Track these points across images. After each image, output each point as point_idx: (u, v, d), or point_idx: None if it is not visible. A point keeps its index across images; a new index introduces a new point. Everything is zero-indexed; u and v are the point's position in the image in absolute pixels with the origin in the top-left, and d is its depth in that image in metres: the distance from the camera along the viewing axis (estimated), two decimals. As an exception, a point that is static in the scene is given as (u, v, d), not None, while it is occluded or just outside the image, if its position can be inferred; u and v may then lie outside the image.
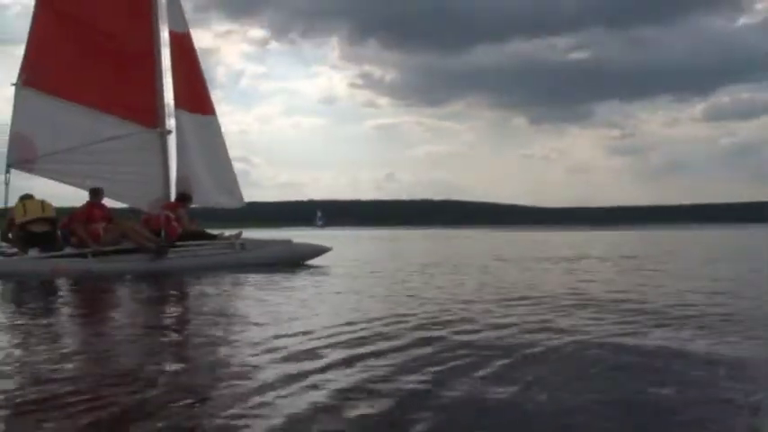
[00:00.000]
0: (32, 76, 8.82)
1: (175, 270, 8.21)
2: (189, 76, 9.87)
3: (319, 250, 10.02)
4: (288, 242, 9.98)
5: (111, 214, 8.62)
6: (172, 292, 6.71)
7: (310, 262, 9.60)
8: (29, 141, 8.74)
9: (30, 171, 8.83)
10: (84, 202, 8.69)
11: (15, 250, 8.32)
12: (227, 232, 9.68)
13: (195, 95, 9.93)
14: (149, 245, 8.20)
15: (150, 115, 9.48)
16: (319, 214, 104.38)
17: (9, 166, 8.67)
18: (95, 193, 8.51)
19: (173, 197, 9.47)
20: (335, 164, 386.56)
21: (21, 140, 8.71)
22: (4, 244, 8.57)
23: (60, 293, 6.53)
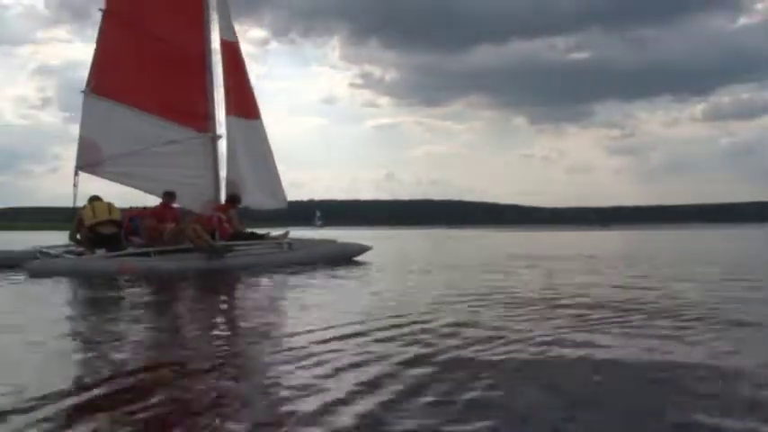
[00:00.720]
0: (99, 84, 9.47)
1: (230, 268, 8.87)
2: (237, 83, 10.45)
3: (361, 249, 10.67)
4: (332, 242, 10.64)
5: (180, 216, 9.25)
6: (232, 286, 7.34)
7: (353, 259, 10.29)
8: (95, 146, 9.41)
9: (95, 174, 9.52)
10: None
11: (82, 249, 9.05)
12: (273, 232, 10.34)
13: (243, 101, 10.53)
14: (207, 245, 8.86)
15: (202, 120, 10.09)
16: (318, 214, 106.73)
17: (78, 169, 9.35)
18: (169, 196, 9.18)
19: (220, 199, 10.15)
20: (335, 164, 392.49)
21: (88, 145, 9.41)
22: (72, 243, 9.29)
23: (128, 290, 7.00)
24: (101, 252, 8.69)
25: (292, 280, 7.61)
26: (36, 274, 7.86)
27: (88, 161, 9.41)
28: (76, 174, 9.35)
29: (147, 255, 8.65)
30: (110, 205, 8.90)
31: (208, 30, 10.15)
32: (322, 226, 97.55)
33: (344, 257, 10.30)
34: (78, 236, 9.11)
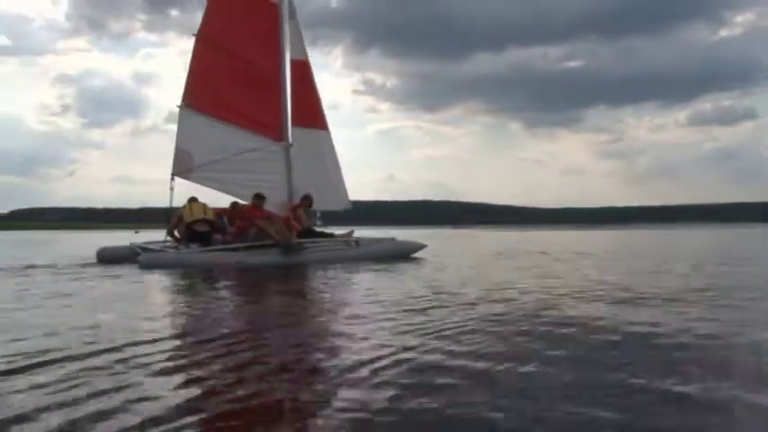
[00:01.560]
0: (191, 100, 10.76)
1: (305, 262, 10.00)
2: (307, 97, 11.65)
3: (418, 247, 11.75)
4: (393, 239, 11.74)
5: (268, 216, 10.43)
6: (308, 278, 8.43)
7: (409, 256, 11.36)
8: (188, 154, 10.69)
9: (188, 179, 10.76)
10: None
11: (175, 245, 10.34)
12: (339, 231, 11.48)
13: (312, 113, 11.72)
14: (286, 242, 10.03)
15: (277, 131, 11.30)
16: (318, 214, 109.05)
17: (173, 174, 10.64)
18: (259, 198, 10.41)
19: (292, 201, 11.33)
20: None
21: (182, 154, 10.68)
22: (169, 239, 10.58)
23: (222, 280, 7.86)
24: (194, 246, 9.96)
25: (384, 271, 8.73)
26: (146, 266, 9.11)
27: (182, 168, 10.68)
28: (172, 179, 10.62)
29: (235, 250, 9.86)
30: (204, 206, 10.17)
31: (282, 50, 11.37)
32: (322, 225, 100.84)
33: (404, 254, 11.39)
34: (176, 232, 10.38)
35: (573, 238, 28.21)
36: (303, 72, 11.60)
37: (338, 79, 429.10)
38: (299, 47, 11.59)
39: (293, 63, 11.50)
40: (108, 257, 10.49)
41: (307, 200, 11.20)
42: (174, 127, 10.99)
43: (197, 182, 10.82)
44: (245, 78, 11.00)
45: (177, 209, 10.36)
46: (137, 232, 58.11)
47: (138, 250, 10.38)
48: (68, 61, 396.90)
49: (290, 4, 11.47)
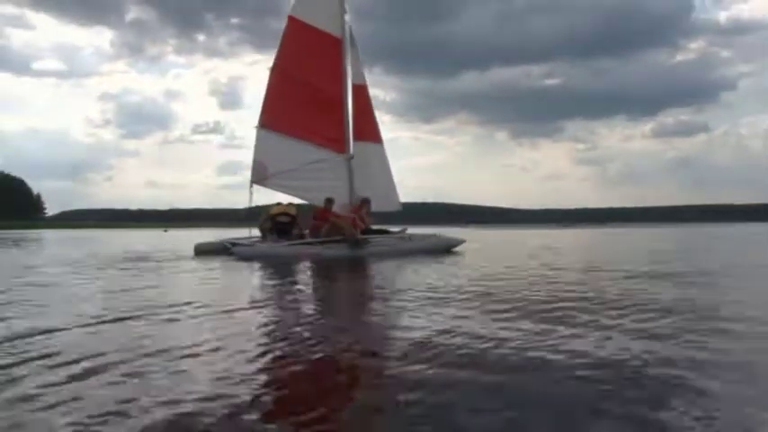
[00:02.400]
0: (266, 120, 12.69)
1: (371, 255, 11.60)
2: (365, 115, 13.48)
3: (459, 242, 13.32)
4: (438, 235, 13.33)
5: (338, 216, 12.13)
6: (376, 269, 10.00)
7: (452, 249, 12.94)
8: (264, 165, 12.56)
9: (264, 186, 12.62)
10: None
11: (259, 240, 12.15)
12: (393, 229, 13.12)
13: (369, 129, 13.54)
14: (353, 238, 11.69)
15: (340, 144, 13.10)
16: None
17: (252, 182, 12.50)
18: (329, 202, 12.18)
19: (353, 203, 13.04)
20: None
21: (259, 165, 12.56)
22: (256, 234, 12.39)
23: (302, 270, 9.53)
24: (273, 238, 11.78)
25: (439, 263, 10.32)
26: (242, 258, 10.85)
27: (259, 177, 12.55)
28: (251, 186, 12.49)
29: (310, 244, 11.57)
30: (289, 204, 12.04)
31: (344, 76, 13.26)
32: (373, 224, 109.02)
33: (448, 248, 12.96)
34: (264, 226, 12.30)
35: (556, 236, 30.11)
36: (362, 94, 13.47)
37: None
38: (359, 73, 13.48)
39: (354, 87, 13.37)
40: (204, 251, 12.28)
41: (366, 202, 12.89)
42: (199, 137, 13.83)
43: (272, 188, 12.67)
44: (313, 101, 12.89)
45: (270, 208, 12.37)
46: (166, 231, 62.90)
47: (228, 245, 12.19)
48: (110, 81, 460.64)
49: (351, 38, 13.40)
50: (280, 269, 8.73)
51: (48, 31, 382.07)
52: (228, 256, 11.35)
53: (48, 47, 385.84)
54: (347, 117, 13.24)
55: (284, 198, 12.72)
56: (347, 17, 13.37)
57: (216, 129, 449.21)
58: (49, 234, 42.83)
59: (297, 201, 13.10)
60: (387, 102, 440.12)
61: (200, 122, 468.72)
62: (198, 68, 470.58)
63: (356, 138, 13.31)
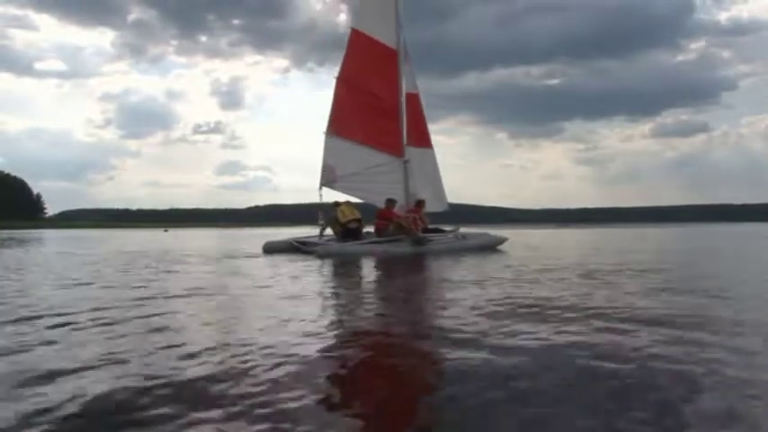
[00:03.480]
0: (334, 127, 13.78)
1: (430, 252, 12.88)
2: (418, 122, 14.64)
3: (504, 239, 14.69)
4: (488, 234, 14.69)
5: (400, 216, 13.36)
6: (449, 263, 11.34)
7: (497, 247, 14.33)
8: (332, 169, 13.69)
9: (332, 188, 13.77)
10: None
11: (325, 239, 13.33)
12: (446, 228, 14.43)
13: (421, 135, 14.72)
14: (416, 236, 12.96)
15: (397, 149, 14.28)
16: (321, 214, 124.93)
17: (321, 185, 13.65)
18: (391, 202, 13.37)
19: (409, 204, 14.27)
20: None
21: (328, 169, 13.69)
22: (326, 234, 13.56)
23: (380, 265, 10.99)
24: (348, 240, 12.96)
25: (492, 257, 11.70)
26: (322, 256, 12.03)
27: (327, 180, 13.69)
28: (320, 188, 13.65)
29: (379, 242, 12.81)
30: (354, 208, 13.16)
31: (400, 86, 14.37)
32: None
33: (495, 245, 14.33)
34: (331, 228, 13.41)
35: (558, 235, 30.86)
36: (415, 102, 14.60)
37: None
38: (412, 82, 14.60)
39: (407, 96, 14.49)
40: (272, 250, 13.45)
41: (422, 203, 14.14)
42: (200, 137, 14.17)
43: (339, 190, 13.83)
44: (373, 109, 14.01)
45: (327, 211, 13.40)
46: (166, 231, 64.20)
47: (297, 244, 13.37)
48: (112, 82, 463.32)
49: (405, 50, 14.47)
50: (357, 265, 9.94)
51: (50, 32, 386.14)
52: (296, 254, 12.47)
53: (50, 47, 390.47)
54: (403, 124, 14.39)
55: (332, 196, 13.79)
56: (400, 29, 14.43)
57: (217, 129, 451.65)
58: (53, 234, 43.60)
59: (354, 200, 14.28)
60: None
61: (202, 122, 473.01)
62: (200, 68, 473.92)
63: (410, 143, 14.49)
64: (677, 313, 4.26)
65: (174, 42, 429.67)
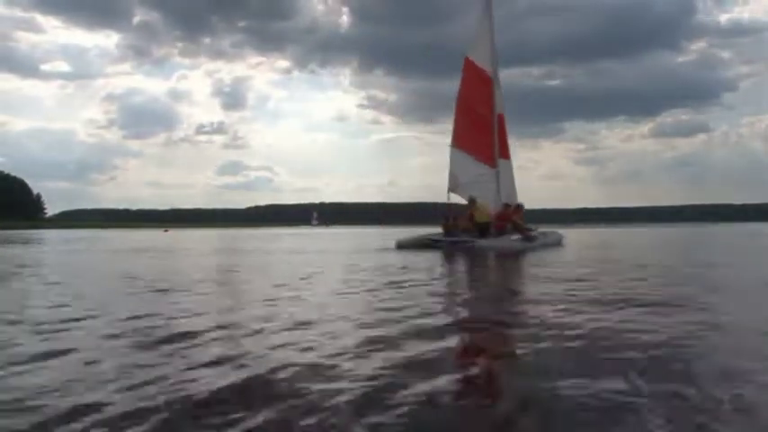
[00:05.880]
0: (455, 141, 15.81)
1: (534, 248, 15.67)
2: (503, 138, 17.33)
3: (563, 237, 18.14)
4: (556, 232, 17.95)
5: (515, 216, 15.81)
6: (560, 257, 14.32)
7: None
8: (456, 176, 15.71)
9: (455, 193, 15.80)
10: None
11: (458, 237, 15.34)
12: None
13: (505, 149, 17.44)
14: (529, 235, 15.65)
15: (493, 161, 16.79)
16: (315, 215, 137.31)
17: (449, 190, 15.59)
18: (508, 206, 15.75)
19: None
20: (345, 172, 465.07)
21: (453, 176, 15.68)
22: (458, 231, 15.45)
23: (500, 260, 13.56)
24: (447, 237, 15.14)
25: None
26: (481, 252, 14.00)
27: (453, 185, 15.74)
28: (449, 192, 15.60)
29: (513, 240, 15.20)
30: (485, 209, 15.34)
31: (494, 107, 16.89)
32: (317, 225, 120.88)
33: (560, 242, 17.70)
34: (460, 225, 15.37)
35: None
36: (502, 121, 17.27)
37: (346, 95, 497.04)
38: (500, 104, 17.23)
39: (499, 116, 17.10)
40: (406, 245, 14.97)
41: (521, 207, 16.85)
42: (202, 138, 16.82)
43: (461, 195, 15.90)
44: (477, 126, 16.36)
45: (470, 210, 15.43)
46: (166, 231, 64.97)
47: (429, 241, 15.11)
48: (115, 83, 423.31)
49: (497, 76, 17.04)
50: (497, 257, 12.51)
51: (56, 34, 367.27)
52: (427, 249, 14.28)
53: (56, 49, 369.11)
54: (495, 139, 16.96)
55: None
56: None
57: (220, 129, 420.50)
58: (56, 234, 42.30)
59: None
60: (388, 103, 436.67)
61: (205, 123, 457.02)
62: (203, 70, 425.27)
63: (499, 155, 17.12)
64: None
65: (179, 44, 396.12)
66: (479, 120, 16.43)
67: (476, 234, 15.22)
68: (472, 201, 15.66)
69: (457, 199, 16.36)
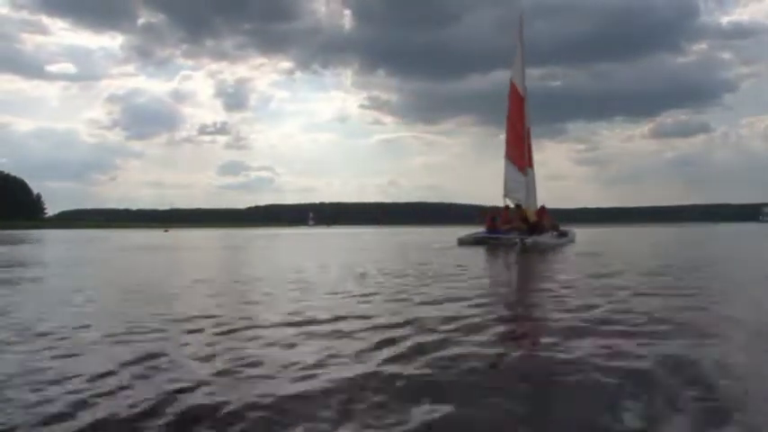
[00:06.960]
0: (507, 151, 18.24)
1: (564, 244, 18.55)
2: (530, 149, 20.05)
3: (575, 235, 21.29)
4: (572, 230, 21.02)
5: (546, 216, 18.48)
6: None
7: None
8: (506, 183, 18.13)
9: (507, 197, 18.21)
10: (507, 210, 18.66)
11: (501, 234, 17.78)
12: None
13: (531, 158, 20.18)
14: (560, 232, 18.53)
15: (525, 170, 19.44)
16: (311, 215, 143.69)
17: (504, 195, 17.97)
18: (543, 208, 18.40)
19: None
20: (346, 172, 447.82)
21: (505, 183, 18.07)
22: (504, 228, 17.79)
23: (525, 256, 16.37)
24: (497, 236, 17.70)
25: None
26: (527, 250, 16.35)
27: (506, 191, 18.11)
28: (504, 196, 17.99)
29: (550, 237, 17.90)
30: (528, 210, 17.90)
31: (526, 122, 19.52)
32: (313, 225, 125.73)
33: (574, 239, 20.82)
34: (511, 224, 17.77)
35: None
36: (530, 135, 20.00)
37: (348, 96, 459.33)
38: (529, 118, 19.93)
39: (527, 129, 19.78)
40: (466, 242, 17.24)
41: (544, 209, 19.65)
42: (205, 138, 20.41)
43: (509, 197, 18.39)
44: (515, 137, 18.92)
45: (525, 211, 17.83)
46: (166, 230, 65.23)
47: (487, 239, 17.50)
48: (119, 84, 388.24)
49: (526, 93, 19.70)
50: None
51: (62, 36, 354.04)
52: (483, 245, 16.87)
53: (61, 51, 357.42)
54: (528, 148, 19.63)
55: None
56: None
57: (222, 129, 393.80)
58: (58, 234, 42.26)
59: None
60: (389, 103, 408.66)
61: (209, 123, 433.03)
62: (205, 71, 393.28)
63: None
64: None
65: (183, 46, 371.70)
66: (518, 133, 18.98)
67: (525, 232, 17.77)
68: (518, 205, 18.19)
69: (489, 202, 18.91)
